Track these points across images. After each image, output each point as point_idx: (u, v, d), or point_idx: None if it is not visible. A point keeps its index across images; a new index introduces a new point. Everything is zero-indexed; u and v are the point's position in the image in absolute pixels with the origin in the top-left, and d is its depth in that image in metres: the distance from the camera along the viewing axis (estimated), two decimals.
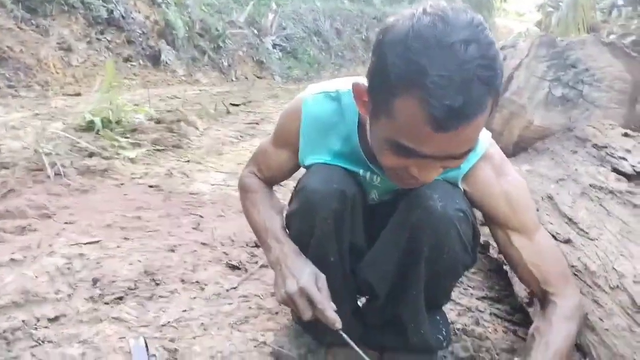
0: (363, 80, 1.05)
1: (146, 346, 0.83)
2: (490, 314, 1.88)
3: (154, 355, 0.76)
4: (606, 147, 1.89)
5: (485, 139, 1.24)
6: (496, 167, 1.25)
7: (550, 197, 1.81)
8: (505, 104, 2.40)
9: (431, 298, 1.37)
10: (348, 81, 1.24)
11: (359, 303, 1.59)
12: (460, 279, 1.59)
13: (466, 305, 1.92)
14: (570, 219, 1.65)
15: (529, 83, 2.42)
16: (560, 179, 1.91)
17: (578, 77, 2.34)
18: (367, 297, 1.58)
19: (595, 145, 1.95)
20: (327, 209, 1.29)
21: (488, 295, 2.01)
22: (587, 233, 1.55)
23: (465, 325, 1.79)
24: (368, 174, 1.33)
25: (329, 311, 1.18)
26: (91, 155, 3.32)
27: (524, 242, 1.27)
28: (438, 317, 1.51)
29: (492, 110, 0.96)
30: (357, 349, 1.17)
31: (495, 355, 1.64)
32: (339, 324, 1.19)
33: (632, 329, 1.19)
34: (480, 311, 1.89)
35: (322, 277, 1.23)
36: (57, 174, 3.01)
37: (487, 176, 1.25)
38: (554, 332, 1.18)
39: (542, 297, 1.28)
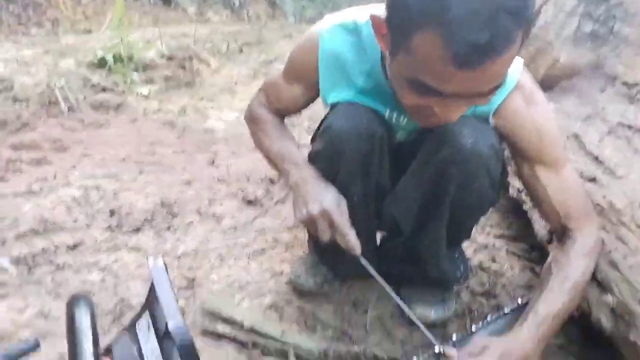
0: (382, 11, 0.96)
1: (165, 267, 0.82)
2: (507, 251, 1.88)
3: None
4: (637, 84, 1.81)
5: (516, 68, 1.18)
6: (527, 97, 1.20)
7: (576, 136, 1.75)
8: (530, 41, 2.29)
9: (453, 234, 1.35)
10: (366, 11, 1.16)
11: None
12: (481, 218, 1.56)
13: (483, 242, 1.91)
14: (596, 158, 1.60)
15: (556, 18, 2.30)
16: (587, 117, 1.85)
17: (610, 12, 2.21)
18: (386, 233, 1.57)
19: (625, 83, 1.87)
20: (354, 150, 1.24)
21: (505, 233, 2.00)
22: (613, 172, 1.51)
23: (482, 261, 1.79)
24: (395, 115, 1.27)
25: (350, 236, 1.16)
26: (104, 90, 3.28)
27: (550, 177, 1.22)
28: (456, 255, 1.50)
29: (522, 41, 0.89)
30: (375, 274, 1.16)
31: (511, 292, 1.64)
32: (358, 250, 1.17)
33: None
34: (497, 249, 1.89)
35: (344, 201, 1.20)
36: (70, 109, 2.98)
37: (518, 107, 1.19)
38: (573, 266, 1.16)
39: (561, 233, 1.24)
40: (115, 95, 3.26)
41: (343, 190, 1.24)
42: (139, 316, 0.87)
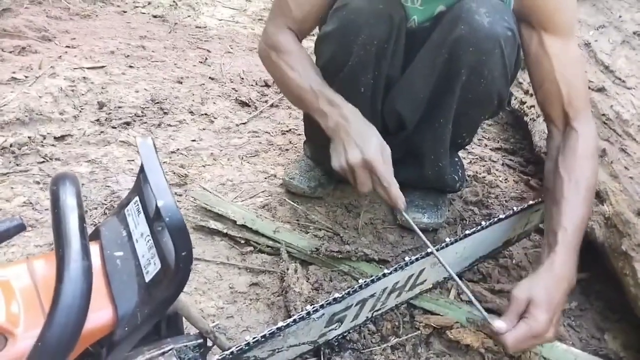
0: None
1: (154, 147, 0.77)
2: (503, 164, 1.86)
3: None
4: None
5: None
6: None
7: (587, 44, 1.67)
8: None
9: (457, 133, 1.30)
10: None
11: None
12: (488, 118, 1.50)
13: (479, 154, 1.89)
14: (606, 67, 1.54)
15: None
16: (601, 25, 1.75)
17: None
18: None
19: None
20: (371, 33, 1.15)
21: (502, 147, 1.97)
22: (623, 82, 1.45)
23: (477, 172, 1.77)
24: None
25: (394, 189, 1.06)
26: None
27: (558, 48, 1.14)
28: (456, 159, 1.47)
29: None
30: (416, 229, 1.08)
31: (504, 202, 1.64)
32: (403, 204, 1.07)
33: None
34: (493, 161, 1.86)
35: (388, 150, 1.08)
36: None
37: None
38: (583, 168, 1.10)
39: (562, 124, 1.18)
40: None
41: (351, 79, 1.15)
42: (127, 200, 0.84)
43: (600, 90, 1.46)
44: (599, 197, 1.29)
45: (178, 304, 0.80)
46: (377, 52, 1.19)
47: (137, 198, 0.82)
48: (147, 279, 0.74)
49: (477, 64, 1.14)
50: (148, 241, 0.76)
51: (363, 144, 1.04)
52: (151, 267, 0.74)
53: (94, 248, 0.79)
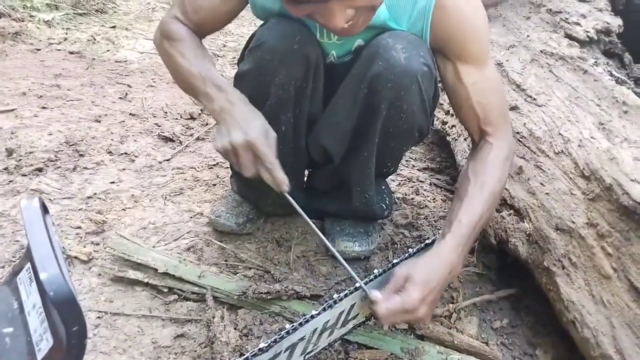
0: None
1: (44, 207, 0.70)
2: (430, 184, 1.88)
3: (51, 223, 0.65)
4: (561, 12, 1.79)
5: None
6: None
7: (500, 64, 1.73)
8: None
9: (381, 164, 1.30)
10: None
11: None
12: (411, 148, 1.52)
13: (407, 175, 1.90)
14: (518, 86, 1.59)
15: None
16: (511, 45, 1.83)
17: None
18: (311, 168, 1.51)
19: (549, 11, 1.85)
20: (287, 74, 1.14)
21: (429, 166, 2.00)
22: (534, 99, 1.50)
23: (406, 194, 1.78)
24: (325, 30, 1.18)
25: (278, 171, 1.04)
26: None
27: (472, 76, 1.17)
28: (383, 187, 1.47)
29: None
30: (300, 211, 1.08)
31: (434, 222, 1.65)
32: (286, 186, 1.05)
33: (572, 192, 1.19)
34: (420, 181, 1.88)
35: (273, 134, 1.06)
36: None
37: (447, 4, 1.13)
38: (489, 173, 1.13)
39: (478, 138, 1.22)
40: (13, 22, 2.91)
41: (272, 119, 1.12)
42: (20, 266, 0.77)
43: (514, 108, 1.51)
44: (520, 214, 1.31)
45: None
46: (295, 92, 1.18)
47: (29, 265, 0.75)
48: (39, 357, 0.67)
49: (396, 100, 1.14)
50: (40, 314, 0.69)
51: (247, 126, 1.03)
52: (43, 344, 0.67)
53: None
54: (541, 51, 1.67)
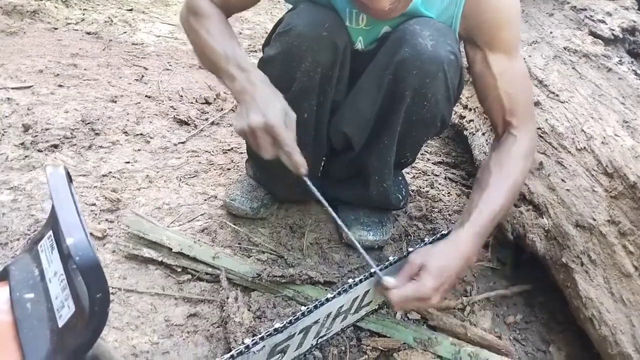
0: None
1: (68, 176, 0.70)
2: (445, 178, 1.87)
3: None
4: (585, 9, 1.77)
5: None
6: None
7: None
8: None
9: (400, 153, 1.29)
10: None
11: None
12: (432, 138, 1.50)
13: (422, 169, 1.89)
14: (540, 82, 1.57)
15: None
16: (534, 41, 1.81)
17: None
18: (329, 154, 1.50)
19: (573, 8, 1.83)
20: (314, 60, 1.13)
21: (444, 160, 1.98)
22: (557, 96, 1.49)
23: (420, 187, 1.76)
24: (354, 12, 1.16)
25: (296, 154, 1.02)
26: None
27: (501, 65, 1.16)
28: (400, 178, 1.46)
29: None
30: (319, 196, 1.07)
31: (448, 216, 1.64)
32: (304, 169, 1.04)
33: (594, 189, 1.17)
34: (435, 175, 1.87)
35: (293, 116, 1.04)
36: None
37: None
38: (512, 165, 1.12)
39: (502, 130, 1.20)
40: (31, 0, 2.90)
41: (295, 105, 1.11)
42: (41, 234, 0.76)
43: (536, 104, 1.49)
44: (538, 210, 1.30)
45: (98, 349, 0.73)
46: (321, 79, 1.17)
47: (50, 233, 0.74)
48: (60, 323, 0.66)
49: (421, 87, 1.13)
50: (62, 281, 0.69)
51: (266, 108, 1.01)
52: (65, 311, 0.66)
53: (2, 290, 0.71)
54: (564, 48, 1.65)
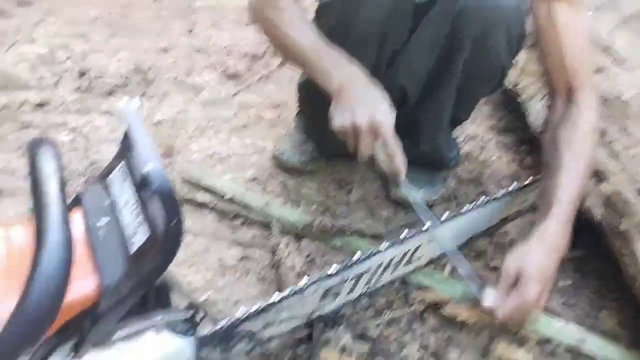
0: None
1: (140, 111, 0.71)
2: (497, 142, 1.82)
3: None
4: None
5: None
6: None
7: None
8: None
9: (456, 109, 1.27)
10: None
11: None
12: (489, 94, 1.46)
13: (472, 133, 1.85)
14: (606, 48, 1.51)
15: None
16: (600, 6, 1.73)
17: None
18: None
19: None
20: (374, 8, 1.09)
21: (496, 125, 1.93)
22: (622, 63, 1.43)
23: (471, 151, 1.73)
24: None
25: (399, 157, 0.99)
26: None
27: (567, 18, 1.08)
28: (452, 137, 1.44)
29: None
30: (414, 200, 1.05)
31: (498, 181, 1.61)
32: (404, 175, 1.01)
33: None
34: (486, 140, 1.83)
35: (394, 115, 1.00)
36: None
37: None
38: (583, 143, 1.06)
39: (565, 94, 1.13)
40: None
41: (353, 55, 1.07)
42: (112, 166, 0.78)
43: (600, 70, 1.43)
44: (598, 176, 1.26)
45: (166, 275, 0.75)
46: (380, 29, 1.14)
47: (122, 163, 0.76)
48: (134, 249, 0.68)
49: (482, 37, 1.10)
50: (134, 209, 0.71)
51: (372, 106, 0.97)
52: (137, 237, 0.69)
53: (76, 216, 0.74)
54: (631, 14, 1.58)
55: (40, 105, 1.58)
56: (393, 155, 0.99)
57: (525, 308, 0.93)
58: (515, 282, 0.94)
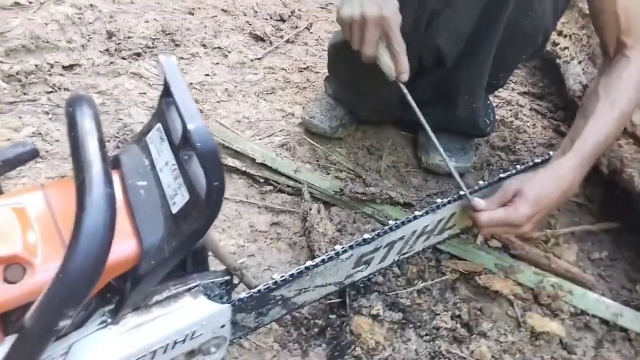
0: None
1: (179, 67, 0.69)
2: (531, 109, 1.77)
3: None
4: None
5: None
6: None
7: None
8: None
9: (494, 72, 1.22)
10: None
11: None
12: (529, 59, 1.40)
13: (506, 98, 1.80)
14: None
15: None
16: None
17: None
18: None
19: None
20: None
21: (530, 91, 1.88)
22: None
23: (504, 117, 1.69)
24: None
25: (404, 55, 0.97)
26: None
27: None
28: (488, 102, 1.39)
29: None
30: (413, 105, 1.03)
31: (532, 148, 1.57)
32: (406, 75, 1.00)
33: None
34: (520, 105, 1.78)
35: (400, 17, 0.97)
36: None
37: None
38: (622, 91, 1.02)
39: (614, 51, 1.09)
40: None
41: None
42: (149, 126, 0.77)
43: None
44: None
45: (205, 239, 0.75)
46: None
47: (159, 125, 0.75)
48: (174, 210, 0.68)
49: None
50: (174, 170, 0.70)
51: (382, 1, 0.94)
52: (178, 198, 0.68)
53: (115, 176, 0.74)
54: None
55: (70, 67, 1.58)
56: (399, 53, 0.97)
57: (509, 224, 0.94)
58: (510, 200, 0.96)
